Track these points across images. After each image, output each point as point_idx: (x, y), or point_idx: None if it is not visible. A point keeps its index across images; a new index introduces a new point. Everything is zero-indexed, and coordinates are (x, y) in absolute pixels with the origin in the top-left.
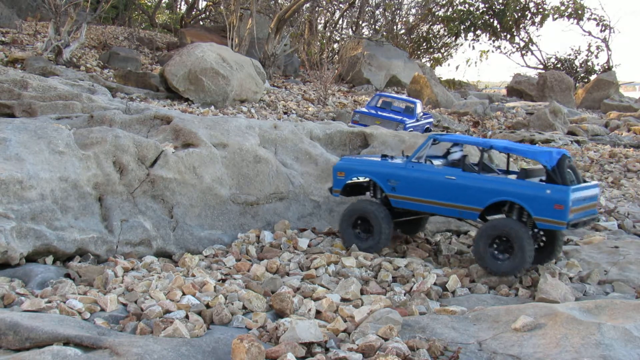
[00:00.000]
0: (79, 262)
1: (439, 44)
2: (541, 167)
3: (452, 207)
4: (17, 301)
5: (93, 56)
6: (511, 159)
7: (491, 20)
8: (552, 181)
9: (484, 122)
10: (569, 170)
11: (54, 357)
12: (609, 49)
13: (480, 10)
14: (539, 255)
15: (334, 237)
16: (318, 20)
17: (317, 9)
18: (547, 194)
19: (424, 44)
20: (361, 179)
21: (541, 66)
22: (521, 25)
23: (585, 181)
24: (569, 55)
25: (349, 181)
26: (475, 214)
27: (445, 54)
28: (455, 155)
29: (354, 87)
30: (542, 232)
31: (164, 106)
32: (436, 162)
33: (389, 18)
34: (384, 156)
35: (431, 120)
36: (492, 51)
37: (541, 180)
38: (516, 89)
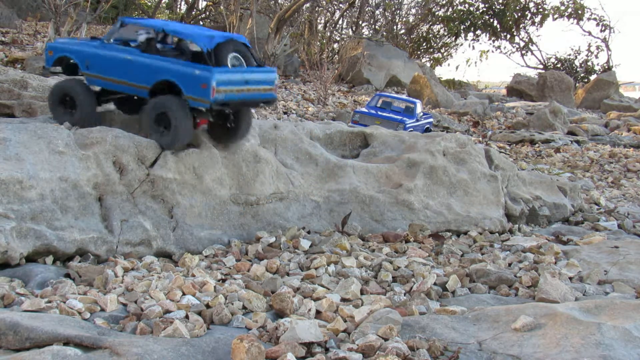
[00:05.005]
0: (79, 262)
1: (439, 44)
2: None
3: (130, 85)
4: (17, 301)
5: None
6: (511, 158)
7: (491, 20)
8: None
9: (484, 122)
10: (237, 55)
11: (54, 357)
12: (609, 49)
13: (480, 10)
14: (229, 135)
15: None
16: (318, 20)
17: (317, 9)
18: (196, 73)
19: (424, 44)
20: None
21: (541, 66)
22: (521, 25)
23: (260, 65)
24: (569, 55)
25: (61, 56)
26: (146, 92)
27: (445, 54)
28: (141, 37)
29: (354, 87)
30: (231, 114)
31: None
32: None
33: (389, 18)
34: (93, 38)
35: (431, 120)
36: (492, 51)
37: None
38: (516, 89)
